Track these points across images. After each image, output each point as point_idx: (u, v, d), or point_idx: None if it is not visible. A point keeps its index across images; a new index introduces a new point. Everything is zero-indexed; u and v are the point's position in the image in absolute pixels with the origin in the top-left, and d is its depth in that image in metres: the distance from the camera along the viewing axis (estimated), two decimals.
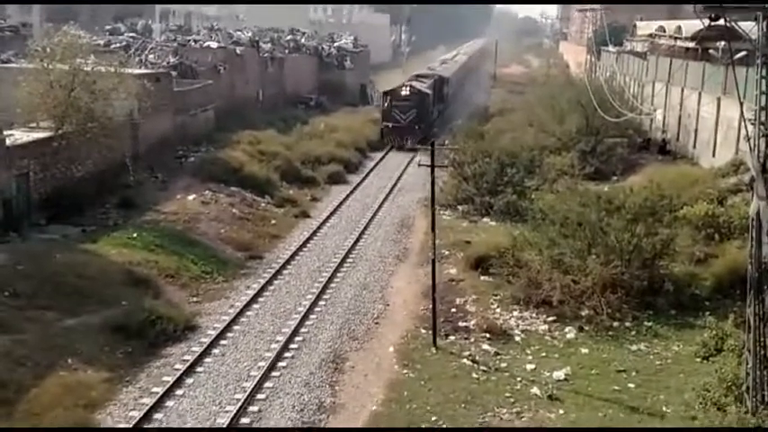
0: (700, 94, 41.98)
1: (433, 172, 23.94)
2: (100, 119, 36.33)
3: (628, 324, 24.93)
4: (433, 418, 18.97)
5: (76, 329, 22.04)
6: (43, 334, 21.24)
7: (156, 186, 39.17)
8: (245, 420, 18.17)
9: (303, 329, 23.51)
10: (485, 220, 37.12)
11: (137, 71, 42.65)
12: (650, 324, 24.91)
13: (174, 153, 45.28)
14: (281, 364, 21.10)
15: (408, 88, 57.69)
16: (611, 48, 68.99)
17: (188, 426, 17.99)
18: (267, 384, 19.91)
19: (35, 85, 34.86)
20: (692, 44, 46.51)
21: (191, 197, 35.82)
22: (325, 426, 18.28)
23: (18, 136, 34.62)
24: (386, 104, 57.51)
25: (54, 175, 35.51)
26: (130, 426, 17.58)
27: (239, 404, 18.53)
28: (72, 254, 27.66)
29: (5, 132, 33.63)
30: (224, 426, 17.62)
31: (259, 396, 19.27)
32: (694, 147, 43.01)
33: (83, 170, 36.85)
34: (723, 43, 31.88)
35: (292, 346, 22.32)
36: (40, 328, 21.55)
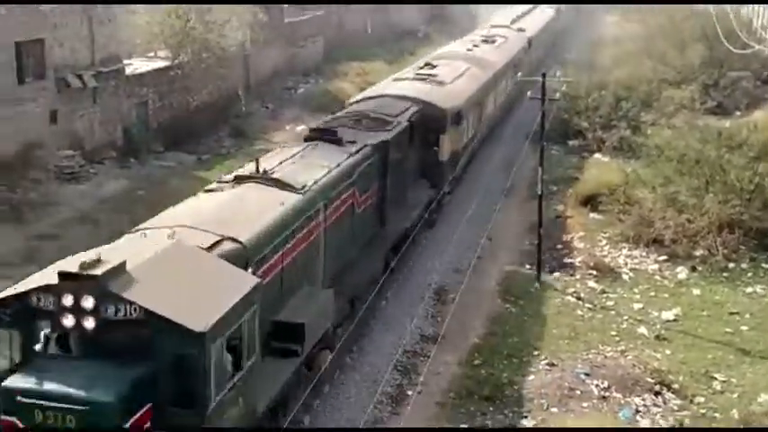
0: None
1: (543, 104, 23.33)
2: (214, 49, 37.10)
3: (744, 266, 23.92)
4: (535, 353, 18.92)
5: None
6: None
7: (267, 116, 39.93)
8: (349, 347, 18.50)
9: (408, 261, 23.65)
10: (596, 156, 35.97)
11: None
12: None
13: (284, 84, 45.88)
14: (385, 294, 21.33)
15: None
16: None
17: None
18: (374, 313, 20.15)
19: (153, 16, 35.82)
20: None
21: (299, 127, 36.31)
22: (428, 355, 18.51)
23: (137, 65, 35.84)
24: None
25: (171, 104, 36.72)
26: None
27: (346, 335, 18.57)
28: (187, 180, 28.67)
29: (125, 62, 34.87)
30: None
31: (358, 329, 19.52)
32: None
33: (198, 100, 37.92)
34: None
35: (396, 276, 22.49)
36: None
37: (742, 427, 15.73)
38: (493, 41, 41.25)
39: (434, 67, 31.57)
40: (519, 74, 38.05)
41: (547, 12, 64.13)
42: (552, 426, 15.18)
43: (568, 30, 75.05)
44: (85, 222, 25.87)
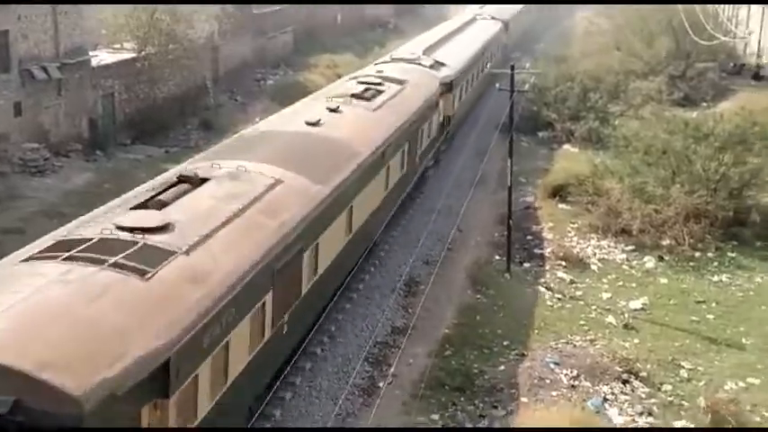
0: None
1: (512, 96, 23.40)
2: (181, 41, 36.74)
3: (710, 255, 24.29)
4: (505, 343, 19.01)
5: None
6: None
7: (236, 109, 39.62)
8: (320, 338, 18.42)
9: (379, 252, 23.62)
10: (565, 147, 36.30)
11: None
12: (734, 255, 24.21)
13: (253, 76, 45.56)
14: (355, 286, 21.29)
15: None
16: None
17: None
18: (344, 305, 20.10)
19: (118, 7, 35.39)
20: None
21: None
22: (399, 347, 18.52)
23: (103, 57, 35.38)
24: None
25: (138, 96, 36.29)
26: None
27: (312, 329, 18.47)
28: (155, 173, 28.28)
29: (91, 53, 34.40)
30: None
31: (333, 316, 19.50)
32: None
33: (165, 92, 37.52)
34: None
35: (367, 268, 22.46)
36: None
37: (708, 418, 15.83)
38: (367, 98, 22.42)
39: None
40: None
41: (489, 29, 46.22)
42: (520, 416, 15.25)
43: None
44: (51, 216, 25.42)
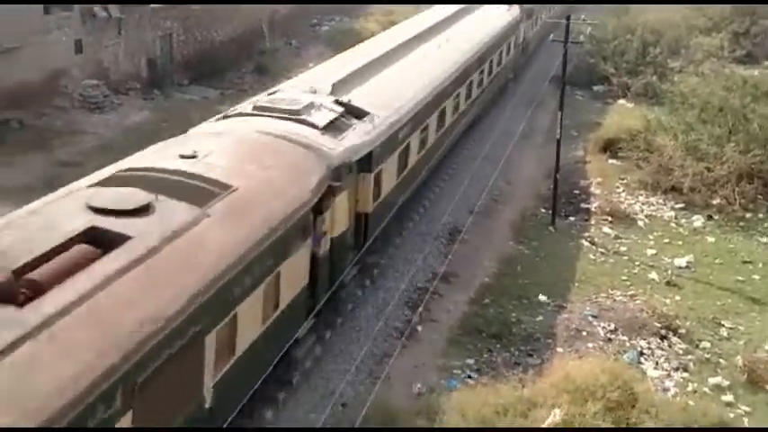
0: None
1: (566, 47, 23.15)
2: None
3: (761, 215, 24.00)
4: (545, 294, 19.17)
5: None
6: None
7: (291, 53, 39.82)
8: (362, 282, 18.80)
9: (424, 201, 23.83)
10: (620, 101, 35.74)
11: None
12: None
13: (309, 21, 45.59)
14: (400, 231, 21.56)
15: None
16: None
17: None
18: (387, 249, 20.41)
19: None
20: None
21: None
22: (439, 293, 18.84)
23: None
24: None
25: (195, 37, 36.72)
26: None
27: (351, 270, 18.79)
28: (210, 114, 28.77)
29: None
30: None
31: (375, 260, 19.85)
32: None
33: (222, 34, 37.87)
34: None
35: (414, 216, 22.70)
36: None
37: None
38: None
39: None
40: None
41: (496, 21, 31.44)
42: (556, 364, 15.49)
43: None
44: (108, 151, 26.20)
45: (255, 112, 16.01)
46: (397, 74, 21.29)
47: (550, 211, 23.54)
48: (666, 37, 39.22)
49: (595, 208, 24.54)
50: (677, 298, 19.50)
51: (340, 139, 15.57)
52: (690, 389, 15.88)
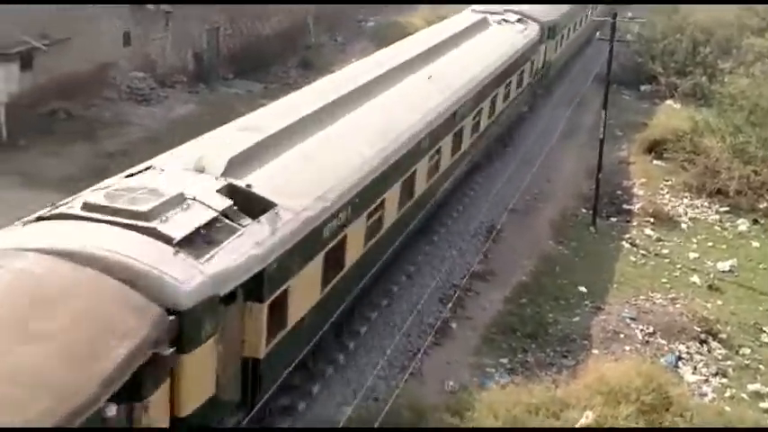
0: None
1: (612, 45, 22.84)
2: None
3: None
4: (583, 295, 18.97)
5: None
6: None
7: (335, 48, 39.96)
8: (398, 278, 18.83)
9: (464, 198, 23.75)
10: (668, 102, 35.15)
11: None
12: None
13: (355, 17, 45.69)
14: (438, 228, 21.54)
15: None
16: None
17: None
18: (424, 246, 20.43)
19: None
20: None
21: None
22: (475, 290, 18.78)
23: None
24: None
25: (242, 31, 37.05)
26: None
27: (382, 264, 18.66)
28: (254, 108, 29.07)
29: None
30: None
31: (413, 257, 19.85)
32: None
33: (268, 29, 38.17)
34: None
35: (453, 213, 22.63)
36: None
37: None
38: None
39: None
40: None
41: (440, 92, 20.07)
42: (591, 366, 15.33)
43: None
44: (154, 143, 26.58)
45: (84, 213, 10.43)
46: (338, 137, 15.19)
47: (591, 212, 23.27)
48: (717, 37, 38.48)
49: (638, 209, 24.21)
50: (719, 302, 19.16)
51: (204, 260, 10.21)
52: (728, 394, 15.61)
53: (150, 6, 31.52)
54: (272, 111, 16.26)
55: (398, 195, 16.78)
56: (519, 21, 28.84)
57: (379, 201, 15.53)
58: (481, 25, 27.01)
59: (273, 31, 38.59)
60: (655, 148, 28.23)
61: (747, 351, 17.16)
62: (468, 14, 28.89)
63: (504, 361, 16.29)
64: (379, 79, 18.54)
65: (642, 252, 21.60)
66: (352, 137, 15.51)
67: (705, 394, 15.56)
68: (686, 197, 25.16)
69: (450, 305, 17.73)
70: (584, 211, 23.88)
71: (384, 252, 16.51)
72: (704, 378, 16.15)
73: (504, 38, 26.77)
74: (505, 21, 28.22)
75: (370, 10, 47.08)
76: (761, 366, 16.64)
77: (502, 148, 27.66)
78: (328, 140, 14.95)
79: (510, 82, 26.21)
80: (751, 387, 15.87)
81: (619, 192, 25.46)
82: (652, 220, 23.49)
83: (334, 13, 43.97)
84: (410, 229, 18.18)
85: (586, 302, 18.67)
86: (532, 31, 29.06)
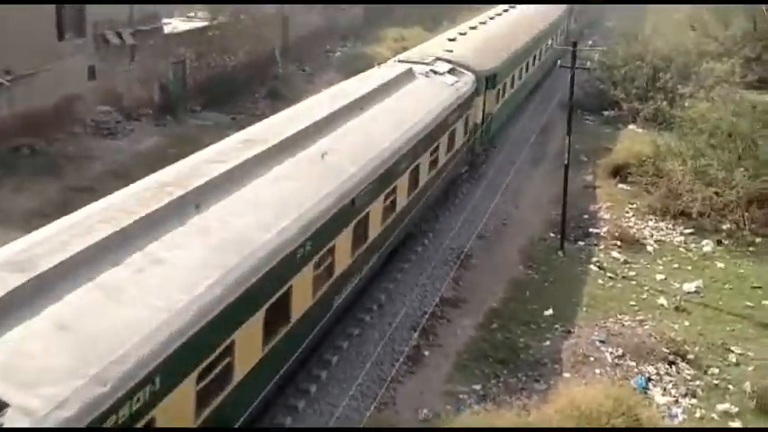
0: None
1: (573, 72, 23.23)
2: (251, 10, 37.38)
3: None
4: (553, 319, 19.10)
5: None
6: None
7: (303, 79, 40.14)
8: (370, 306, 18.84)
9: (433, 225, 23.85)
10: (630, 126, 35.76)
11: None
12: None
13: (322, 47, 46.00)
14: (407, 257, 21.59)
15: None
16: None
17: None
18: (395, 275, 20.46)
19: None
20: None
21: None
22: (446, 317, 18.82)
23: (175, 25, 36.24)
24: None
25: (208, 63, 37.15)
26: None
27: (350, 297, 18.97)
28: (221, 139, 29.04)
29: (164, 20, 35.30)
30: None
31: (383, 284, 19.91)
32: None
33: (235, 60, 38.29)
34: None
35: (422, 240, 22.72)
36: None
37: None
38: None
39: None
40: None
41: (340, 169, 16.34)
42: (562, 390, 15.40)
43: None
44: (120, 177, 26.42)
45: None
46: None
47: (559, 236, 23.51)
48: (677, 62, 39.26)
49: (604, 232, 24.50)
50: (686, 323, 19.38)
51: None
52: (698, 415, 15.75)
53: (116, 40, 31.46)
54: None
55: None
56: (450, 72, 24.70)
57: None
58: (403, 79, 22.48)
59: (241, 63, 38.69)
60: (619, 173, 28.66)
61: (716, 371, 17.35)
62: (392, 66, 24.72)
63: (477, 387, 16.31)
64: (248, 163, 14.31)
65: (610, 275, 21.83)
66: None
67: (675, 415, 15.69)
68: (651, 220, 25.53)
69: (421, 333, 17.74)
70: (551, 235, 24.11)
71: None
72: (674, 399, 16.28)
73: (429, 93, 22.51)
74: (434, 72, 24.10)
75: (338, 40, 47.41)
76: (729, 386, 16.81)
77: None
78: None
79: (437, 146, 21.84)
80: (720, 407, 16.02)
81: (585, 216, 25.77)
82: (619, 242, 23.77)
83: (303, 42, 44.24)
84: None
85: (557, 326, 18.80)
86: (465, 83, 24.80)
